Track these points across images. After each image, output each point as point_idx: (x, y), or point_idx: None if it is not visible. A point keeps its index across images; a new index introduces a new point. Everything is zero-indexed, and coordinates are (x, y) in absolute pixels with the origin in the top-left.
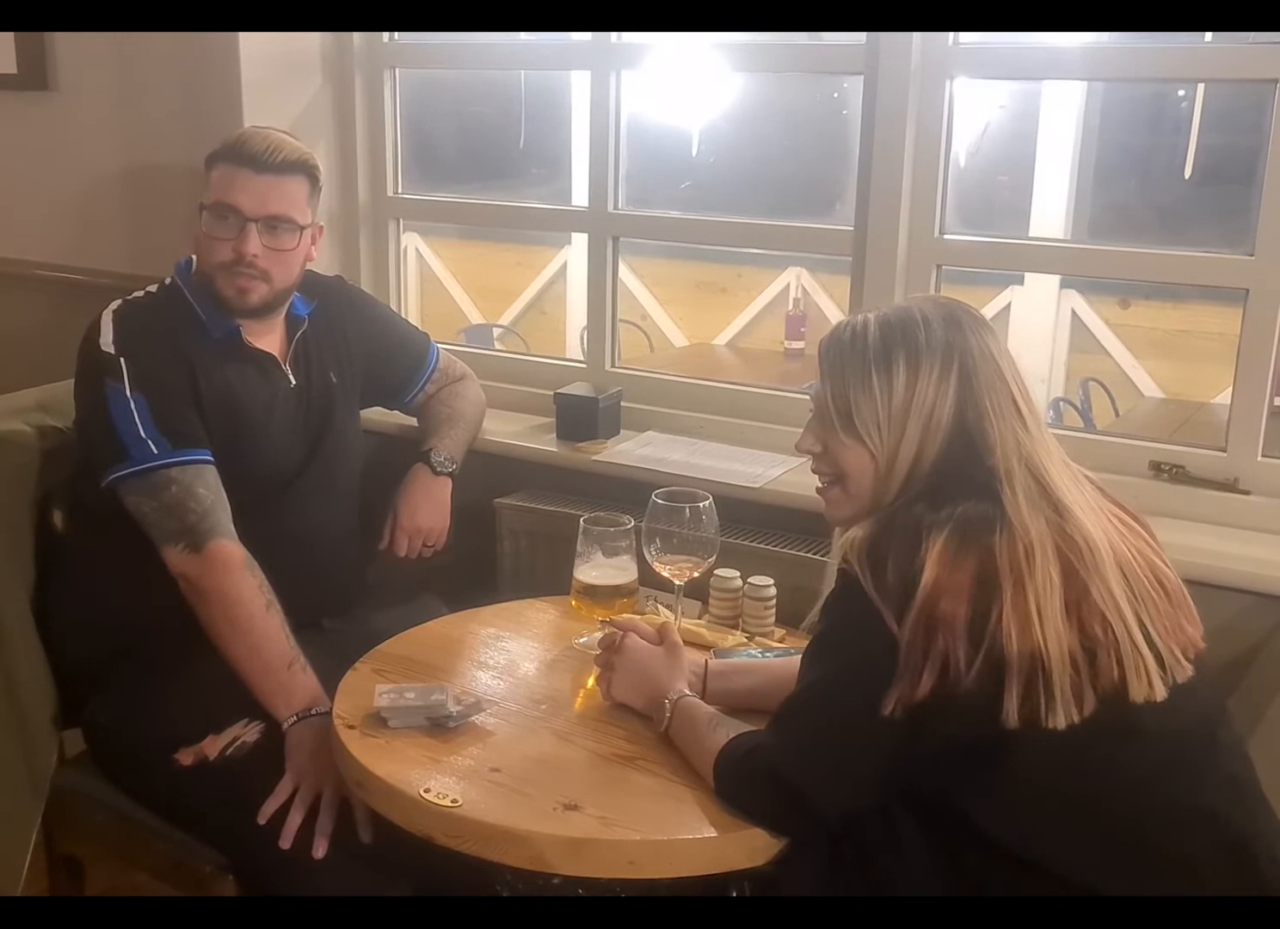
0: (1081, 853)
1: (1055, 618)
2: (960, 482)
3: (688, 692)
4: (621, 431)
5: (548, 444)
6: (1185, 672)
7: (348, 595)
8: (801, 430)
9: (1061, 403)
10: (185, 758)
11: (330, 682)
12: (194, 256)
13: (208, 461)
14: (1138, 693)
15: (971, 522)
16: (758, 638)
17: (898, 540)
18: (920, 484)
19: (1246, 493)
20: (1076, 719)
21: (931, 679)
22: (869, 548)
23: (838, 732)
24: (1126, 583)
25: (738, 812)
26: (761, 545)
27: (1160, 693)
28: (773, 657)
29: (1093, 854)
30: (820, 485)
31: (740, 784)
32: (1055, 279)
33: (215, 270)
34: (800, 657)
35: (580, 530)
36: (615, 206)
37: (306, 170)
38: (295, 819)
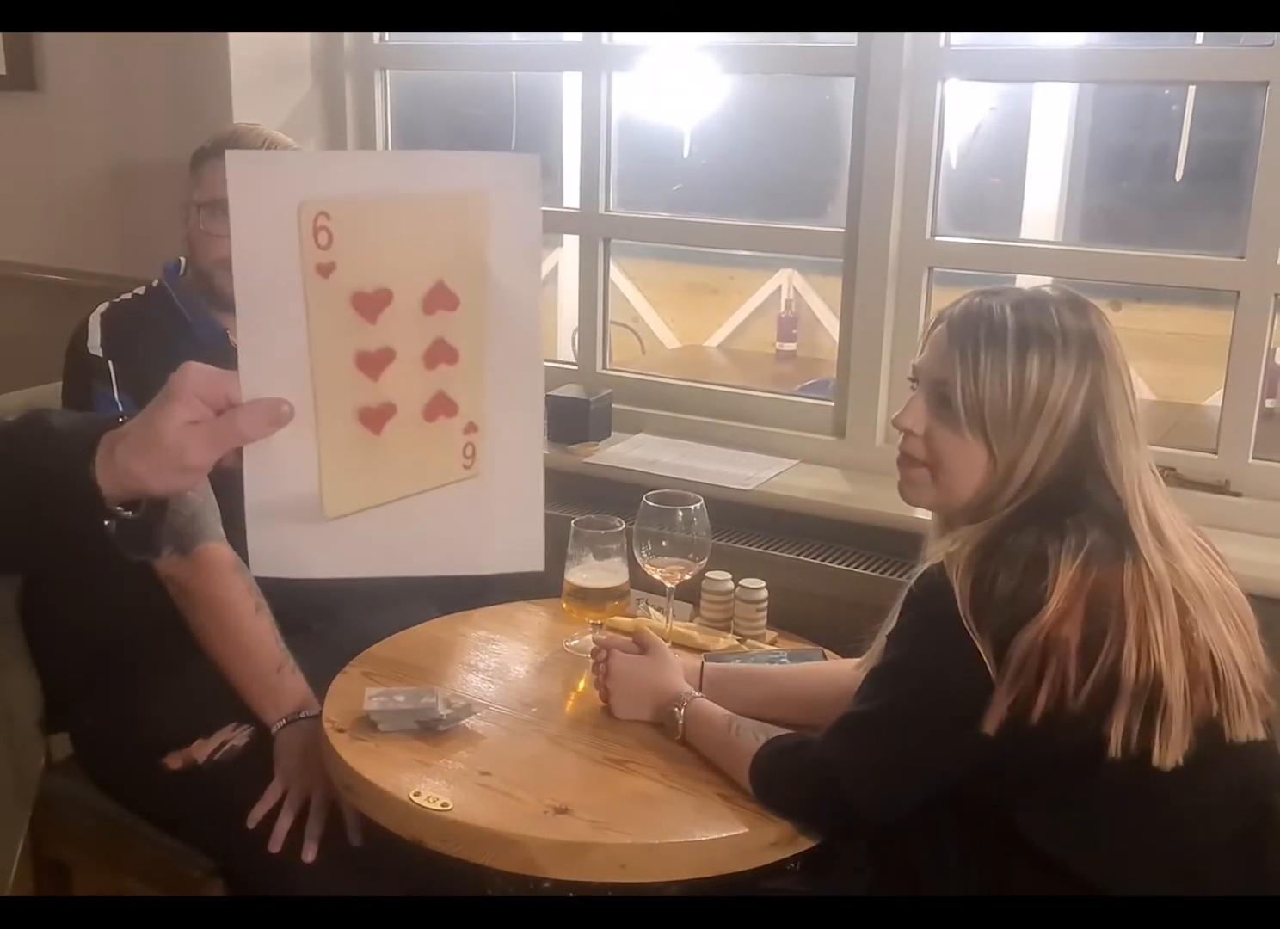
0: (1127, 871)
1: (1177, 655)
2: (1081, 501)
3: (695, 692)
4: (613, 434)
5: None
6: (1270, 709)
7: (337, 598)
8: (903, 409)
9: None
10: (173, 762)
11: (320, 685)
12: (181, 259)
13: None
14: (1240, 731)
15: (1103, 553)
16: (749, 640)
17: (1019, 567)
18: (1032, 493)
19: (1238, 495)
20: (1181, 761)
21: (1045, 701)
22: (977, 568)
23: (913, 754)
24: (1227, 621)
25: (776, 811)
26: (753, 548)
27: (1260, 731)
28: (767, 662)
29: (1139, 875)
30: (902, 459)
31: (784, 787)
32: (1046, 280)
33: (214, 267)
34: (789, 659)
35: (571, 533)
36: (606, 208)
37: None
38: (284, 823)
